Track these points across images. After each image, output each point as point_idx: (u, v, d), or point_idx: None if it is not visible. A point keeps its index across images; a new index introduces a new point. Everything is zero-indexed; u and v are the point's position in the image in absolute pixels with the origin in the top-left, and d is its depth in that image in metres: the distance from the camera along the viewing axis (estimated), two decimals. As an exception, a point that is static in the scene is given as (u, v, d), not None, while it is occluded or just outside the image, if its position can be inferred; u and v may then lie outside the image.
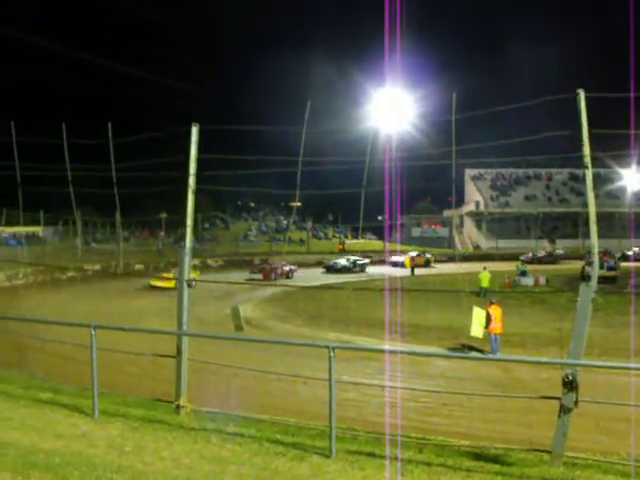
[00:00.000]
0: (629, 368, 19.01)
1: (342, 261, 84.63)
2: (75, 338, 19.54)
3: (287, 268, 75.30)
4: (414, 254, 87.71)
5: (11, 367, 21.67)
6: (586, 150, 11.74)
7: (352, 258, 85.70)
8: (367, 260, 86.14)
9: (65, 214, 75.29)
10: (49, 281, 60.46)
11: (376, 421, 16.63)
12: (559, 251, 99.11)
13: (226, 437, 12.64)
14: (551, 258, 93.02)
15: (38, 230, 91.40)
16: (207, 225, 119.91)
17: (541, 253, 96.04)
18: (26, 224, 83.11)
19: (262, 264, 78.79)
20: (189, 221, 15.74)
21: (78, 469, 9.32)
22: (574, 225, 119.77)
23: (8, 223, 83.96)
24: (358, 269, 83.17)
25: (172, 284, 52.08)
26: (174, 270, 60.56)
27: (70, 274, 65.62)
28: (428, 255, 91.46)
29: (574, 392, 11.43)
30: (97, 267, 71.77)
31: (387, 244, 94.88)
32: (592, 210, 12.04)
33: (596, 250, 11.90)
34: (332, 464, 11.10)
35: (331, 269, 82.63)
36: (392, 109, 57.37)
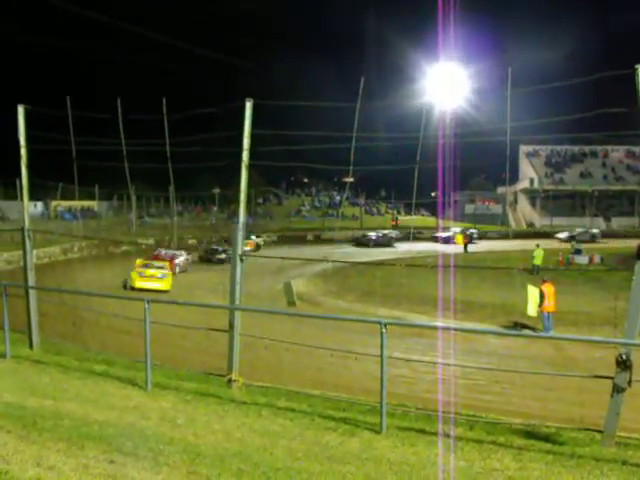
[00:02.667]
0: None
1: (372, 235, 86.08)
2: (128, 311, 19.74)
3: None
4: (458, 230, 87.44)
5: (66, 339, 21.89)
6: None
7: (383, 232, 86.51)
8: (394, 234, 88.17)
9: (119, 189, 75.78)
10: (103, 255, 60.96)
11: (427, 398, 16.60)
12: (594, 230, 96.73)
13: (277, 411, 12.70)
14: (587, 237, 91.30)
15: (93, 204, 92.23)
16: (260, 200, 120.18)
17: (577, 231, 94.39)
18: (81, 199, 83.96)
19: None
20: (242, 196, 15.77)
21: (131, 440, 9.41)
22: (631, 203, 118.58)
23: (63, 197, 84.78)
24: (387, 242, 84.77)
25: (165, 284, 44.32)
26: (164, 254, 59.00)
27: (124, 248, 66.07)
28: (472, 231, 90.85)
29: (628, 372, 11.32)
30: (151, 241, 72.25)
31: (440, 220, 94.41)
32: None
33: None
34: (383, 440, 11.11)
35: (360, 242, 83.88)
36: (447, 84, 56.99)
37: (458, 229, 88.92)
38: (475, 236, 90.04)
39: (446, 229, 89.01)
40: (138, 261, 49.02)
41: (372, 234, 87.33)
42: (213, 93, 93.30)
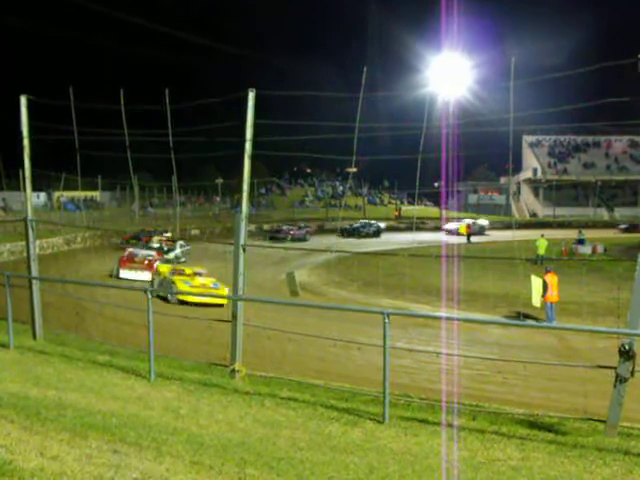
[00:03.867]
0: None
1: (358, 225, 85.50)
2: (132, 302, 19.75)
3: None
4: (469, 221, 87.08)
5: (69, 330, 21.93)
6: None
7: (371, 222, 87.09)
8: (382, 225, 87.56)
9: (122, 179, 75.85)
10: (107, 245, 61.04)
11: (430, 388, 16.64)
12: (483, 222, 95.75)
13: (280, 401, 12.74)
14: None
15: (96, 195, 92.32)
16: (263, 191, 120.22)
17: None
18: (84, 189, 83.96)
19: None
20: (245, 186, 15.79)
21: (134, 430, 9.43)
22: (634, 193, 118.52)
23: (66, 188, 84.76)
24: (372, 233, 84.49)
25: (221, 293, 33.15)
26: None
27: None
28: (483, 222, 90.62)
29: (630, 362, 11.33)
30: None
31: (443, 211, 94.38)
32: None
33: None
34: (385, 430, 11.13)
35: (346, 232, 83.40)
36: (450, 75, 56.94)
37: (469, 220, 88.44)
38: (486, 227, 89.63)
39: (454, 220, 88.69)
40: (164, 267, 41.83)
41: (358, 224, 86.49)
42: (216, 83, 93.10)
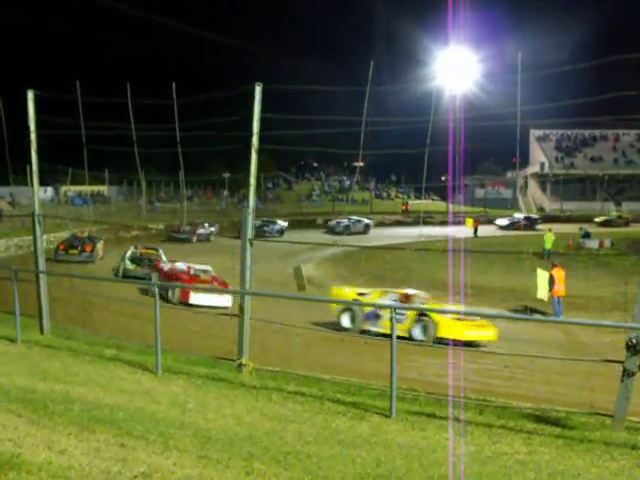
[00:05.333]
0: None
1: (344, 221, 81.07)
2: (138, 296, 19.77)
3: None
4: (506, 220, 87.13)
5: (76, 324, 21.97)
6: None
7: (357, 218, 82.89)
8: (368, 221, 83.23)
9: (129, 173, 75.81)
10: (113, 239, 60.97)
11: (437, 382, 16.64)
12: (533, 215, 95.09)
13: (287, 396, 12.76)
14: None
15: (103, 189, 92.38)
16: (270, 185, 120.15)
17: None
18: (91, 183, 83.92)
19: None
20: (252, 180, 15.80)
21: (141, 424, 9.44)
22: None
23: (73, 182, 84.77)
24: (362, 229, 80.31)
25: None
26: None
27: (134, 233, 66.16)
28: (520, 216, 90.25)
29: (638, 356, 11.33)
30: (160, 226, 72.17)
31: (450, 205, 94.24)
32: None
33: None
34: (392, 424, 11.14)
35: (332, 230, 79.04)
36: (456, 68, 56.84)
37: (509, 218, 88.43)
38: (538, 221, 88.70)
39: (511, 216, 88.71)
40: None
41: (344, 220, 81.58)
42: (223, 78, 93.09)
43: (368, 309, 27.52)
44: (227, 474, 7.42)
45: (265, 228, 73.32)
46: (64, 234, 56.95)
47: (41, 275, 19.22)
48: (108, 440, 8.40)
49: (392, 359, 11.97)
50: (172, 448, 8.27)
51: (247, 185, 16.03)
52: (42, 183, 24.62)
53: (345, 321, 28.07)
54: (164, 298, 29.34)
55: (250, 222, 15.64)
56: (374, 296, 29.52)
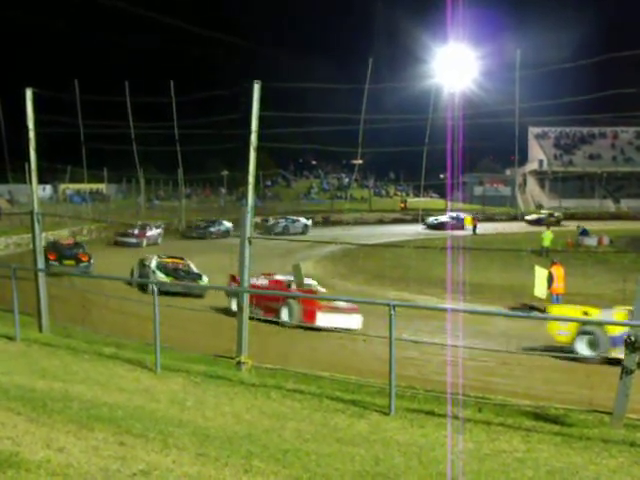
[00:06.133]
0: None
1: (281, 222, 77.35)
2: (137, 295, 19.75)
3: None
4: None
5: (76, 322, 21.97)
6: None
7: (294, 218, 79.72)
8: (306, 221, 79.72)
9: (128, 171, 75.78)
10: (112, 237, 61.02)
11: (436, 379, 16.65)
12: (557, 214, 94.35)
13: (286, 393, 12.77)
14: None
15: (102, 187, 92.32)
16: (269, 183, 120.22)
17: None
18: (90, 181, 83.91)
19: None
20: (251, 178, 15.81)
21: (140, 422, 9.46)
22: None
23: (72, 180, 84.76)
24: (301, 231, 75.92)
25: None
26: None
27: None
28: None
29: (636, 353, 11.34)
30: (159, 224, 72.10)
31: (449, 203, 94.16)
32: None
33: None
34: (391, 422, 11.15)
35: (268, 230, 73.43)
36: (455, 66, 56.90)
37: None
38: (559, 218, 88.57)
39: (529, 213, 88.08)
40: None
41: (282, 220, 77.70)
42: (222, 76, 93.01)
43: (614, 332, 21.36)
44: (225, 472, 7.44)
45: (211, 229, 71.62)
46: (64, 232, 56.95)
47: (40, 273, 19.23)
48: (107, 438, 8.42)
49: (391, 357, 11.98)
50: (171, 446, 8.28)
51: (246, 183, 16.04)
52: (41, 181, 24.67)
53: (581, 346, 23.03)
54: (256, 318, 22.72)
55: (249, 220, 15.65)
56: (618, 316, 22.11)
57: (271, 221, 77.58)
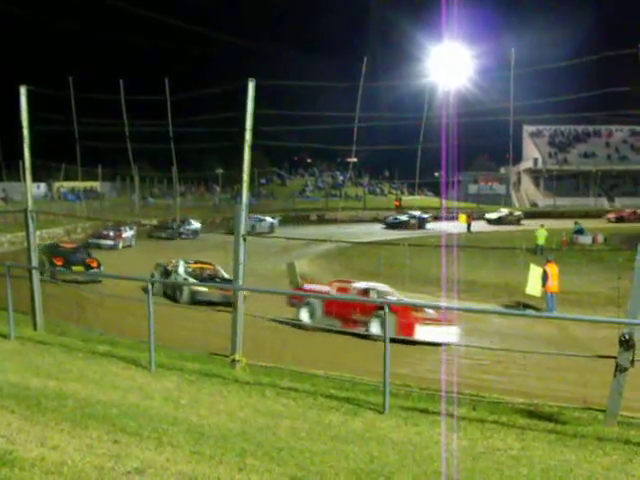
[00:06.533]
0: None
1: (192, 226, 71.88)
2: (132, 292, 19.72)
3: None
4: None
5: (70, 320, 21.94)
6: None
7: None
8: (272, 220, 76.73)
9: (123, 169, 75.72)
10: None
11: (431, 378, 16.67)
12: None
13: (280, 391, 12.77)
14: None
15: (96, 185, 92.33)
16: (264, 181, 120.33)
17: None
18: (84, 179, 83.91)
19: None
20: (245, 176, 15.81)
21: (135, 420, 9.46)
22: (634, 183, 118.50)
23: (66, 178, 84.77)
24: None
25: None
26: None
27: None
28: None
29: (630, 351, 11.36)
30: (154, 222, 71.91)
31: (444, 201, 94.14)
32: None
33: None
34: (386, 419, 11.16)
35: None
36: (450, 64, 56.88)
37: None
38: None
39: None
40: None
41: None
42: (216, 74, 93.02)
43: None
44: (220, 470, 7.43)
45: (181, 229, 69.11)
46: (58, 230, 56.90)
47: (34, 271, 19.21)
48: (101, 436, 8.41)
49: (385, 355, 11.98)
50: (165, 444, 8.28)
51: (240, 181, 16.05)
52: (35, 179, 24.64)
53: None
54: (334, 330, 23.34)
55: (243, 218, 15.65)
56: None
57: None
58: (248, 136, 15.54)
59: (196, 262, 37.23)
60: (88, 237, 59.94)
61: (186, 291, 31.92)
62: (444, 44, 59.51)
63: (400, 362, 16.96)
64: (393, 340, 22.10)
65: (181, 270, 35.10)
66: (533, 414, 11.99)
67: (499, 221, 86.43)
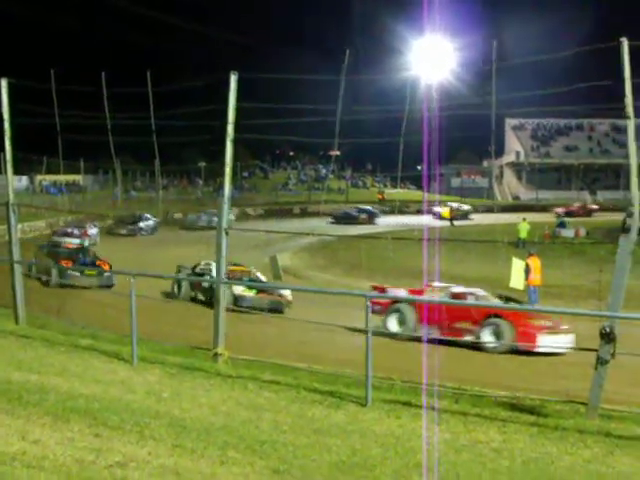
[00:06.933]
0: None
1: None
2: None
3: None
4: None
5: (51, 314, 21.89)
6: (628, 100, 11.61)
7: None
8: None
9: (105, 162, 75.53)
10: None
11: (413, 370, 16.69)
12: (465, 207, 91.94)
13: (263, 385, 12.75)
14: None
15: (78, 178, 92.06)
16: (246, 174, 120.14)
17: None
18: (66, 172, 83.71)
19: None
20: (227, 169, 15.79)
21: (117, 414, 9.45)
22: (616, 177, 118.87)
23: (49, 171, 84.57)
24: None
25: None
26: None
27: (110, 222, 65.68)
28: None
29: (611, 344, 11.41)
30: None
31: (426, 194, 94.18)
32: (633, 162, 11.94)
33: (637, 202, 11.79)
34: (368, 412, 11.17)
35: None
36: (432, 58, 56.96)
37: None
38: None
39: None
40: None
41: (204, 215, 69.58)
42: (198, 67, 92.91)
43: None
44: (202, 463, 7.45)
45: (141, 224, 66.58)
46: (40, 223, 56.58)
47: (16, 265, 19.14)
48: (83, 430, 8.41)
49: (367, 348, 11.99)
50: (147, 437, 8.29)
51: (222, 174, 16.03)
52: (17, 172, 24.48)
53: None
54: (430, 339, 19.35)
55: (226, 211, 15.63)
56: None
57: (192, 215, 73.04)
58: (230, 129, 15.52)
59: (233, 264, 30.82)
60: (52, 234, 53.51)
61: (228, 295, 24.87)
62: (426, 37, 59.59)
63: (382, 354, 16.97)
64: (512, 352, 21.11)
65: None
66: (515, 407, 12.02)
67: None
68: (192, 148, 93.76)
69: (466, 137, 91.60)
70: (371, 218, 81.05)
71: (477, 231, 63.91)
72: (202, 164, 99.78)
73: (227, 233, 15.56)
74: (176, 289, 30.52)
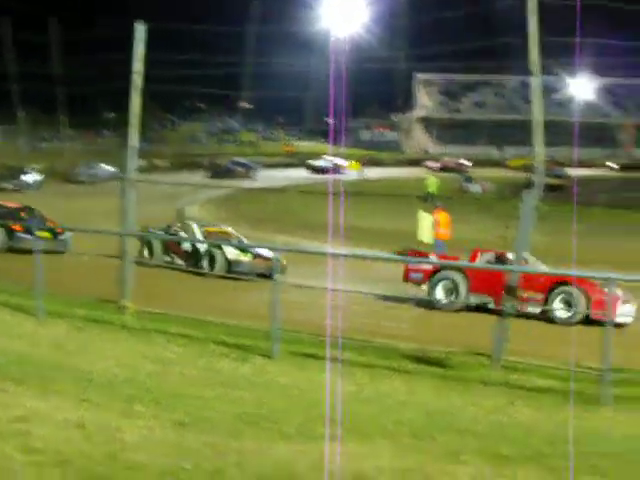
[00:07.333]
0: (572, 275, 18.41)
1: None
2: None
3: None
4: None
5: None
6: (533, 57, 11.74)
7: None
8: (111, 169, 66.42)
9: (9, 113, 73.94)
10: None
11: (322, 324, 16.78)
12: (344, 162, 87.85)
13: (171, 338, 12.73)
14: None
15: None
16: (156, 126, 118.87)
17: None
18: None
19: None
20: (134, 120, 15.66)
21: (21, 368, 9.33)
22: (524, 133, 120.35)
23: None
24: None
25: None
26: None
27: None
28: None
29: (514, 298, 11.63)
30: (41, 167, 69.46)
31: (331, 147, 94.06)
32: (537, 117, 12.11)
33: (541, 158, 11.97)
34: (275, 365, 11.24)
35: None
36: (344, 11, 56.77)
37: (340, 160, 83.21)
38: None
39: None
40: None
41: (89, 169, 68.54)
42: (106, 15, 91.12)
43: None
44: (106, 416, 7.39)
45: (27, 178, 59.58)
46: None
47: None
48: (-15, 384, 8.29)
49: (274, 300, 12.04)
50: (52, 392, 8.20)
51: (128, 125, 15.87)
52: None
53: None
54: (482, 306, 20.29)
55: (133, 163, 15.50)
56: None
57: (79, 169, 69.35)
58: (137, 79, 15.36)
59: (213, 226, 30.70)
60: None
61: (220, 260, 26.28)
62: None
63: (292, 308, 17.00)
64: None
65: (199, 234, 28.07)
66: (421, 359, 12.19)
67: (323, 170, 79.47)
68: (102, 99, 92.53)
69: (376, 91, 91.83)
70: (248, 172, 76.97)
71: (386, 185, 64.27)
72: (111, 115, 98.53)
73: (134, 184, 15.46)
74: (146, 252, 26.40)
